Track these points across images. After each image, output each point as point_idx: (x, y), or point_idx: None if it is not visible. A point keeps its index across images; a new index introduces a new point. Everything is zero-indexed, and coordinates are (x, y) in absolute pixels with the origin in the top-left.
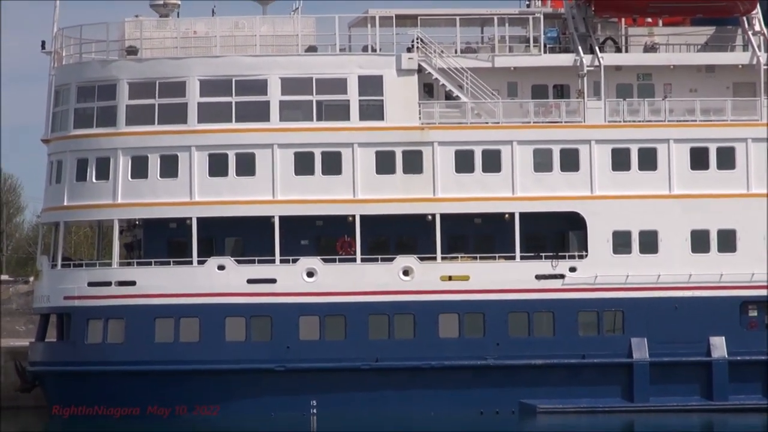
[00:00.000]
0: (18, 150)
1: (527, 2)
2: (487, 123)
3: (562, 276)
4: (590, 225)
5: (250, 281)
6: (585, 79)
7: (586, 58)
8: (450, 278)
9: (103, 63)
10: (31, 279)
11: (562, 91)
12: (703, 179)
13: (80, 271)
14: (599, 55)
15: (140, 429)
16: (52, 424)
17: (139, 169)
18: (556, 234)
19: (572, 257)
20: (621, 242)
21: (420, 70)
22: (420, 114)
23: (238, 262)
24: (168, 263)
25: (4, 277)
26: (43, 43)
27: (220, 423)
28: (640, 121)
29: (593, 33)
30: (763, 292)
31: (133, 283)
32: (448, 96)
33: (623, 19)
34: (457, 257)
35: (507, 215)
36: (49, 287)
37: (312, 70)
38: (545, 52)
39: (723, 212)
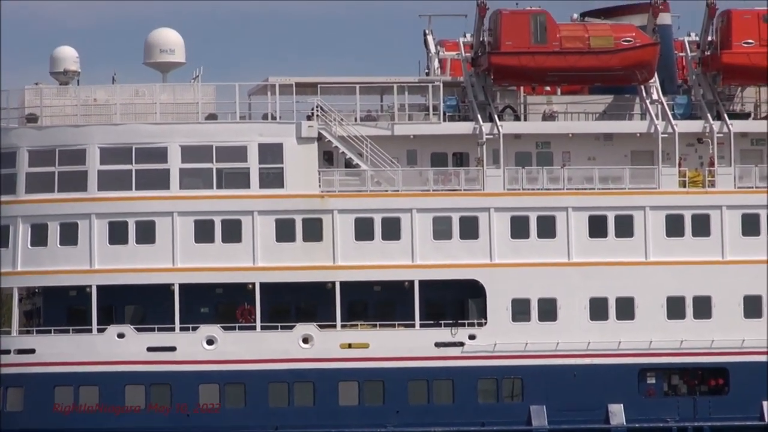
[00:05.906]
0: None
1: (426, 70)
2: (386, 191)
3: (461, 344)
4: (489, 293)
5: (150, 349)
6: (484, 147)
7: (485, 126)
8: (350, 346)
9: (3, 130)
10: None
11: (461, 159)
12: (602, 247)
13: None
14: (498, 123)
15: None
16: None
17: (39, 236)
18: (456, 301)
19: (471, 325)
20: (520, 310)
21: (320, 137)
22: (320, 182)
23: (138, 330)
24: (68, 331)
25: None
26: None
27: None
28: (538, 189)
29: (492, 101)
30: (661, 360)
31: (32, 351)
32: (348, 164)
33: (522, 88)
34: (357, 325)
35: (406, 283)
36: None
37: (212, 138)
38: (444, 120)
39: (621, 280)
